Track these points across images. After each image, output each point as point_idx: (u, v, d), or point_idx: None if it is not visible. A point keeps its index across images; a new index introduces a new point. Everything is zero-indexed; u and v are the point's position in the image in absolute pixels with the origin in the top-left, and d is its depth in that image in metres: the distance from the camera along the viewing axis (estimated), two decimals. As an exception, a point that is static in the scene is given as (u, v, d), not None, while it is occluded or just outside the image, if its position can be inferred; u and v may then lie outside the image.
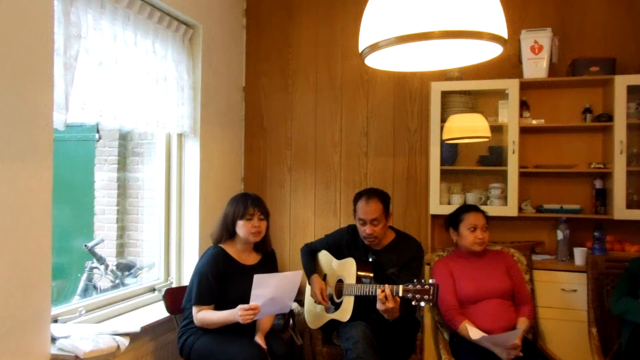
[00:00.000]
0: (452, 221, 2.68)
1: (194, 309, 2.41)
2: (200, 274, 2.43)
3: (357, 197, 2.67)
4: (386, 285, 2.25)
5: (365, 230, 2.58)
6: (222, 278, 2.43)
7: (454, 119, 3.19)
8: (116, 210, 4.38)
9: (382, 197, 2.63)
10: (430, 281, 2.19)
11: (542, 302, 2.92)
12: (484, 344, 2.34)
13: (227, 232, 2.52)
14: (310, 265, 2.82)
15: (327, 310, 2.68)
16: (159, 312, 2.77)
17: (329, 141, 3.71)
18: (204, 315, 2.38)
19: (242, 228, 2.47)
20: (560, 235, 3.10)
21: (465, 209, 2.68)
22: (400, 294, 2.21)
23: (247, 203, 2.49)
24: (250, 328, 2.42)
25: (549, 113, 3.27)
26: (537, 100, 3.29)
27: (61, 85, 2.10)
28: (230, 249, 2.53)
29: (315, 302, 2.75)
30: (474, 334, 2.38)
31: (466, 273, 2.57)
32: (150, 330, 2.63)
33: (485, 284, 2.52)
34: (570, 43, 3.27)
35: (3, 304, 1.85)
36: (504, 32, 1.30)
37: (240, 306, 2.25)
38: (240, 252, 2.54)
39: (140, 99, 2.66)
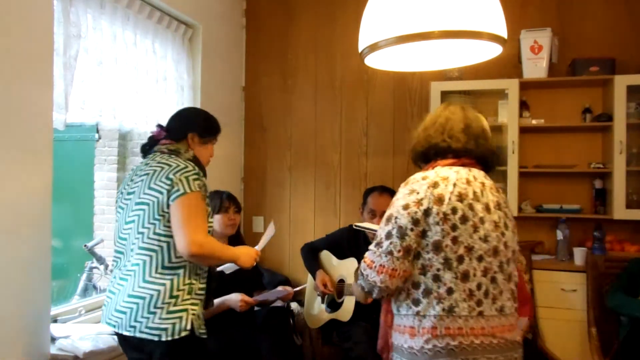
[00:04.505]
0: None
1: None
2: None
3: (369, 191, 2.72)
4: None
5: (374, 223, 2.59)
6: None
7: (453, 118, 3.18)
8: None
9: (393, 194, 2.63)
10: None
11: (542, 302, 2.92)
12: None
13: None
14: (315, 267, 2.81)
15: (333, 308, 2.68)
16: (158, 312, 2.76)
17: (328, 141, 3.71)
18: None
19: (218, 222, 2.55)
20: (559, 235, 3.10)
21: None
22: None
23: (223, 197, 2.59)
24: (249, 319, 2.51)
25: (549, 113, 3.26)
26: (537, 100, 3.29)
27: (61, 85, 2.10)
28: None
29: (318, 294, 2.74)
30: None
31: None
32: (150, 330, 2.62)
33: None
34: (570, 43, 3.26)
35: (3, 303, 1.85)
36: (503, 32, 1.30)
37: (241, 297, 2.39)
38: None
39: (140, 99, 2.66)
